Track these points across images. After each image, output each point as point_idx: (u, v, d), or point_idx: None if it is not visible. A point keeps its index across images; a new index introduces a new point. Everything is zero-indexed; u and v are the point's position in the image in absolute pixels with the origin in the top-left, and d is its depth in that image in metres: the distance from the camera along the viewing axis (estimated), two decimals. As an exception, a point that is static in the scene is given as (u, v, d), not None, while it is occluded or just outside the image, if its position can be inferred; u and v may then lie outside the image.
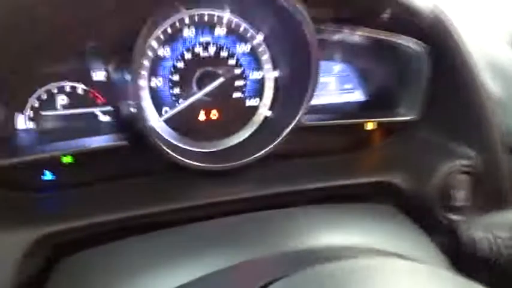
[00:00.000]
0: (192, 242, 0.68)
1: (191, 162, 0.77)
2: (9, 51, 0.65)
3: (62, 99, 0.77)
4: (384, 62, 0.88)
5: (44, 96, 0.76)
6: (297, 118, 0.80)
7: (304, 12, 0.74)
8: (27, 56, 0.70)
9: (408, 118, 0.87)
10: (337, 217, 0.75)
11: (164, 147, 0.74)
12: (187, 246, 0.67)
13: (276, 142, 0.80)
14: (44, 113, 0.76)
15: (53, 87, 0.76)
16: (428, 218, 0.80)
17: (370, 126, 0.90)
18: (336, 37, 0.82)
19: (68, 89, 0.77)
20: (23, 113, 0.75)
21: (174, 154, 0.75)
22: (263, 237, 0.68)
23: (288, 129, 0.80)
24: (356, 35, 0.82)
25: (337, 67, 0.92)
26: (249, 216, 0.72)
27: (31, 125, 0.76)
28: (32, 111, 0.76)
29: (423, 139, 0.87)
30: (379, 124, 0.89)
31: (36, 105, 0.76)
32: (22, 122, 0.76)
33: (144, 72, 0.78)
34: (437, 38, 0.80)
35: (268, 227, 0.70)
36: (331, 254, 0.64)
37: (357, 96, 0.94)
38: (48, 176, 0.76)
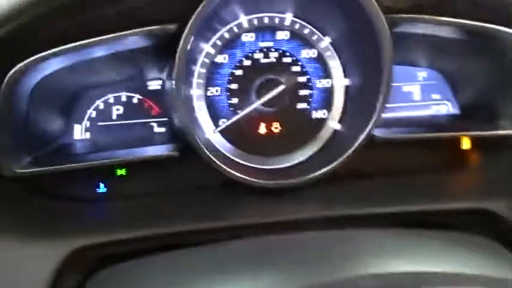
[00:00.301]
0: (240, 261, 0.60)
1: (247, 178, 0.70)
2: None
3: (117, 110, 0.76)
4: (478, 63, 0.75)
5: (101, 107, 0.75)
6: (367, 131, 0.70)
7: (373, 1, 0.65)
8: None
9: (513, 132, 0.74)
10: (421, 246, 0.62)
11: (217, 161, 0.69)
12: (234, 265, 0.59)
13: (344, 158, 0.71)
14: (100, 123, 0.76)
15: (110, 97, 0.75)
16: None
17: (465, 143, 0.77)
18: (417, 29, 0.71)
19: (124, 99, 0.76)
20: (80, 124, 0.75)
21: (228, 168, 0.69)
22: (326, 259, 0.57)
23: (358, 144, 0.71)
24: (441, 26, 0.69)
25: (422, 73, 0.81)
26: (310, 236, 0.62)
27: (87, 135, 0.76)
28: (89, 122, 0.75)
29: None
30: (475, 140, 0.76)
31: (94, 115, 0.75)
32: (79, 132, 0.75)
33: (200, 81, 0.74)
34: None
35: (331, 249, 0.60)
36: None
37: (447, 107, 0.81)
38: (101, 188, 0.74)
